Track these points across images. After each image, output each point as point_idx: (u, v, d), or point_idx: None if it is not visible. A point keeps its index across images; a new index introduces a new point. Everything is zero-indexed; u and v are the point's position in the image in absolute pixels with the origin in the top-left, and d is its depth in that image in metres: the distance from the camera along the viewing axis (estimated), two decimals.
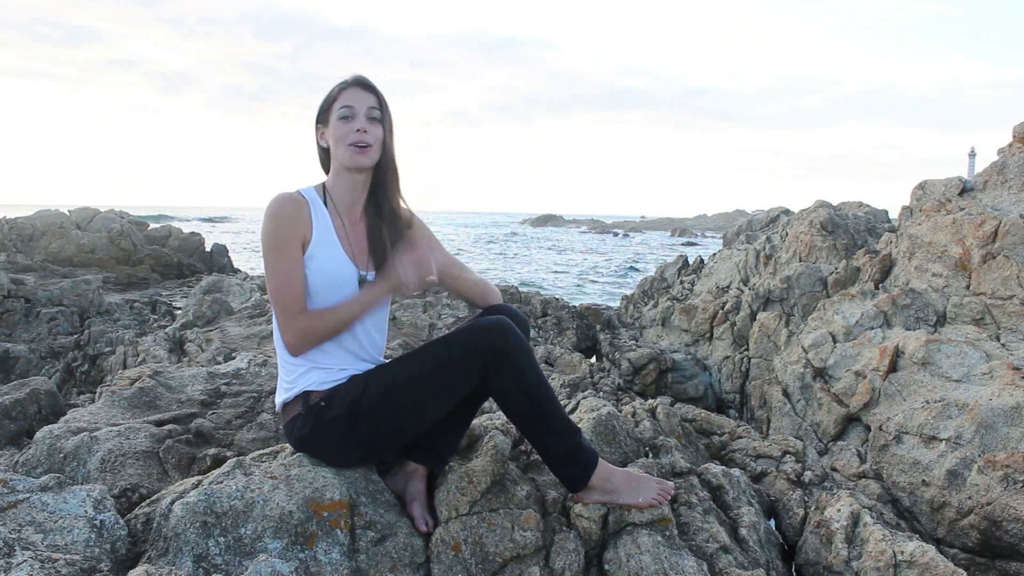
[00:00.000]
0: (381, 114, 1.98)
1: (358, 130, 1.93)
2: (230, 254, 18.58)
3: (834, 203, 9.87)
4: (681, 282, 11.32)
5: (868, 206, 10.50)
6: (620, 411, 2.66)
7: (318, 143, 2.06)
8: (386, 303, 2.13)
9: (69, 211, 16.80)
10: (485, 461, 2.00)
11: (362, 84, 1.98)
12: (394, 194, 2.06)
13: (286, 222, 1.91)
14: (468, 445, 2.17)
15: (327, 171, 2.08)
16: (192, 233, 17.99)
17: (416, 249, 1.89)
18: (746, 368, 7.14)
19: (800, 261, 8.42)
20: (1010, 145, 6.18)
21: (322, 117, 2.01)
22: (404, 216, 2.11)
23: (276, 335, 2.02)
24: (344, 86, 1.98)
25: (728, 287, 9.50)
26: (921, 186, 6.58)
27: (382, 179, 2.04)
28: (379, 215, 2.05)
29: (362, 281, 2.01)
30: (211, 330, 5.43)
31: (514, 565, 1.81)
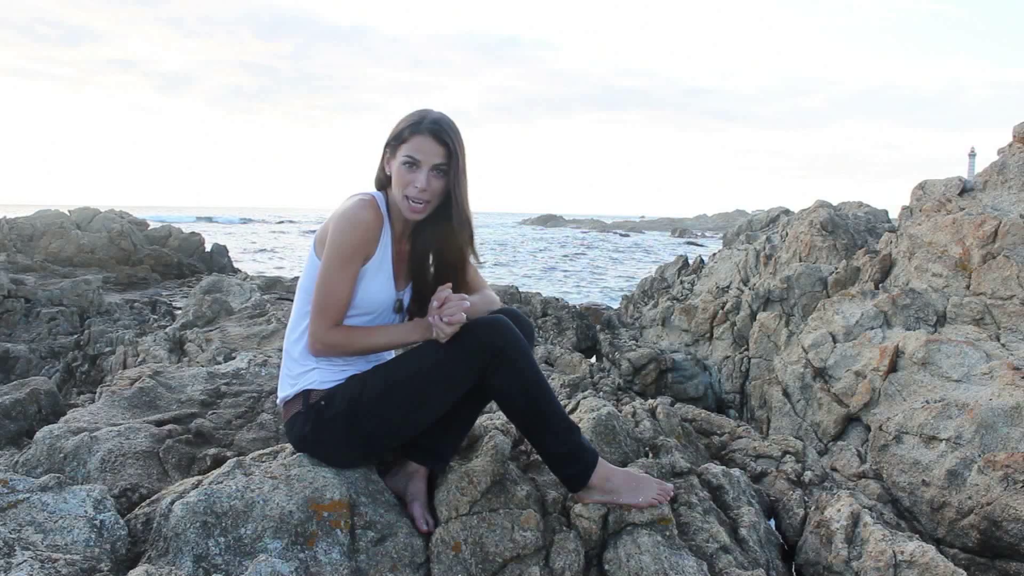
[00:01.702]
0: (449, 166, 1.89)
1: (418, 187, 1.87)
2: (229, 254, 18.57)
3: (834, 203, 9.87)
4: (681, 282, 11.32)
5: (868, 206, 10.50)
6: (620, 411, 2.66)
7: (383, 167, 1.99)
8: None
9: (69, 211, 16.79)
10: (485, 461, 2.00)
11: (434, 135, 1.88)
12: (465, 243, 1.97)
13: (363, 236, 1.88)
14: (468, 445, 2.17)
15: (379, 189, 2.03)
16: (192, 233, 17.98)
17: (450, 305, 1.83)
18: (746, 368, 7.14)
19: (800, 261, 8.42)
20: (1010, 145, 6.19)
21: (390, 146, 1.94)
22: (464, 260, 2.02)
23: (291, 330, 2.01)
24: (416, 130, 1.88)
25: (728, 287, 9.50)
26: (921, 186, 6.58)
27: (445, 221, 1.95)
28: (426, 239, 2.00)
29: (399, 304, 2.03)
30: (211, 330, 5.43)
31: (514, 565, 1.81)
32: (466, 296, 1.91)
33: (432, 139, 1.88)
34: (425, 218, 1.99)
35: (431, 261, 2.05)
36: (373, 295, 1.95)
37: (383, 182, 2.01)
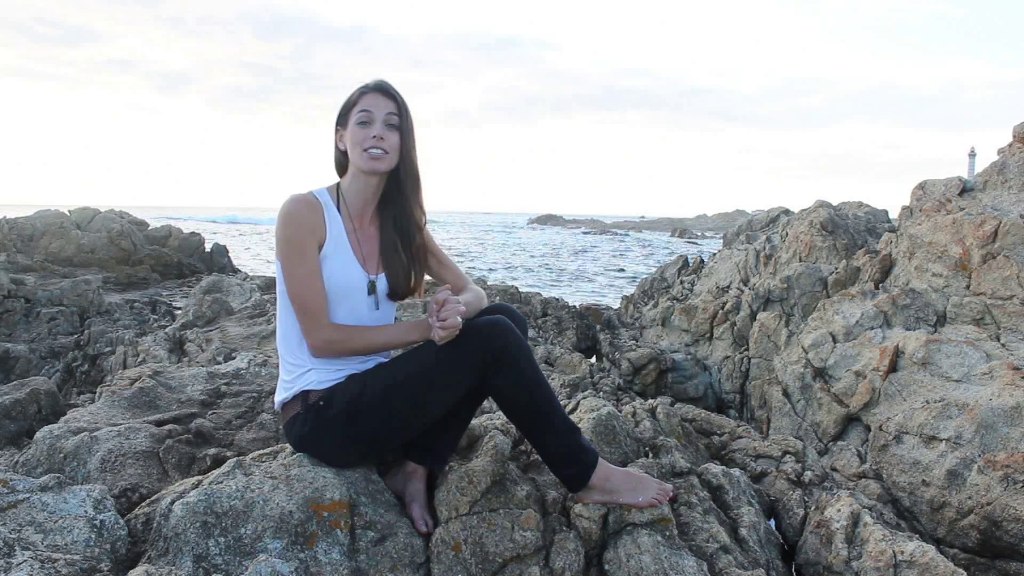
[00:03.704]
0: (400, 120, 1.96)
1: (374, 136, 1.93)
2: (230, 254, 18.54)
3: (834, 203, 9.86)
4: (681, 282, 11.32)
5: (868, 206, 10.49)
6: (620, 411, 2.66)
7: (336, 145, 2.04)
8: (391, 308, 2.15)
9: (69, 211, 16.77)
10: (485, 461, 2.00)
11: (382, 90, 1.97)
12: (412, 200, 2.05)
13: (302, 225, 1.91)
14: (468, 445, 2.17)
15: (341, 174, 2.07)
16: (192, 233, 17.97)
17: (446, 308, 1.84)
18: (746, 368, 7.13)
19: (800, 261, 8.42)
20: (1010, 145, 6.18)
21: (341, 120, 2.00)
22: (421, 221, 2.09)
23: (280, 333, 2.02)
24: (365, 90, 1.97)
25: (728, 287, 9.50)
26: (921, 186, 6.58)
27: (398, 185, 2.03)
28: (393, 220, 2.05)
29: (371, 285, 2.02)
30: (211, 330, 5.43)
31: (514, 565, 1.81)
32: (460, 299, 1.92)
33: (381, 94, 1.97)
34: (386, 194, 2.04)
35: (398, 241, 2.06)
36: (336, 275, 1.96)
37: (341, 162, 2.05)
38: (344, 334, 1.93)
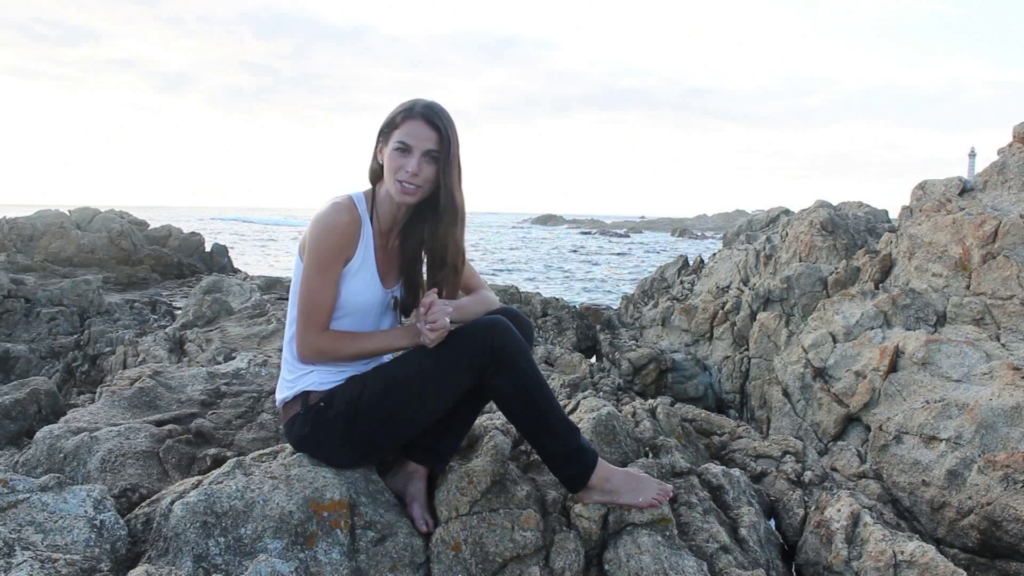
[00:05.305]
0: (440, 153, 1.87)
1: (409, 171, 1.85)
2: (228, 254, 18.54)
3: (834, 203, 9.87)
4: (681, 282, 11.32)
5: (868, 206, 10.50)
6: (620, 411, 2.65)
7: (375, 156, 1.98)
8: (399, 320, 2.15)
9: (69, 211, 16.77)
10: (485, 461, 2.00)
11: (427, 119, 1.86)
12: (447, 234, 1.94)
13: (338, 238, 1.88)
14: (468, 445, 2.17)
15: (374, 183, 2.02)
16: (192, 233, 17.97)
17: (433, 311, 1.83)
18: (746, 368, 7.13)
19: (800, 261, 8.42)
20: (1010, 145, 6.19)
21: (383, 135, 1.93)
22: (457, 255, 1.99)
23: (288, 334, 2.02)
24: (409, 115, 1.87)
25: (728, 287, 9.50)
26: (921, 186, 6.59)
27: (433, 212, 1.94)
28: (420, 238, 2.00)
29: (393, 300, 2.03)
30: (211, 330, 5.43)
31: (514, 565, 1.81)
32: (450, 301, 1.91)
33: (425, 124, 1.87)
34: (415, 213, 1.99)
35: (423, 257, 2.04)
36: (356, 295, 1.95)
37: (376, 173, 2.00)
38: (335, 343, 1.92)
